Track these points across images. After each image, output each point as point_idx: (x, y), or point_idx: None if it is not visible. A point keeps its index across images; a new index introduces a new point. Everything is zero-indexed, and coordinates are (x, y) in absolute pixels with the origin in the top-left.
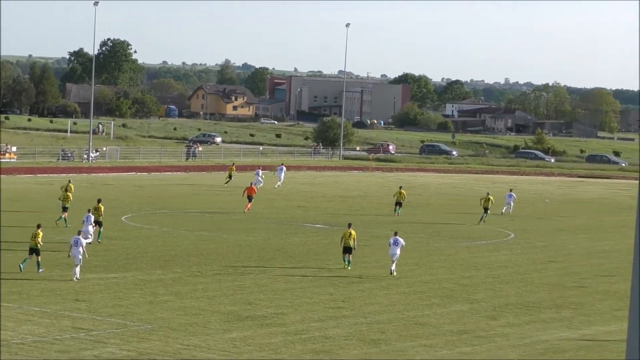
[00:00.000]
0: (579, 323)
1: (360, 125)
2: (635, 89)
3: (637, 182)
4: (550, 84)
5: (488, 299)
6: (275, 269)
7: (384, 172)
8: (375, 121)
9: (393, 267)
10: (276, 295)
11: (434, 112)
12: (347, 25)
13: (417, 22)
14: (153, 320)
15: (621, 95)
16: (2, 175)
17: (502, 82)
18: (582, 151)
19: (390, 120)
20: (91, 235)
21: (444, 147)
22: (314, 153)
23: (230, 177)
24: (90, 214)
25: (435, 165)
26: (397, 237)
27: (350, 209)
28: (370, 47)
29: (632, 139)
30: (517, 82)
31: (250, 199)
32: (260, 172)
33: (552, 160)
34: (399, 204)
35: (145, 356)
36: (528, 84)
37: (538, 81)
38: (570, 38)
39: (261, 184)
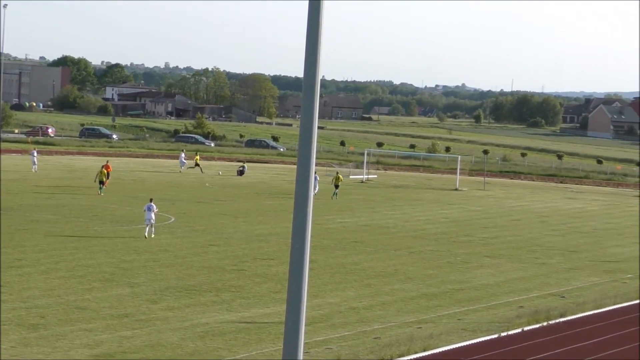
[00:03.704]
0: (239, 306)
1: (19, 107)
2: (293, 75)
3: (295, 167)
4: (210, 69)
5: (149, 283)
6: None
7: (43, 156)
8: (35, 104)
9: (148, 231)
10: None
11: (94, 96)
12: (5, 6)
13: (76, 3)
14: None
15: (279, 81)
16: None
17: (162, 66)
18: (241, 136)
19: (49, 103)
20: None
21: (104, 130)
22: None
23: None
24: None
25: (96, 149)
26: (151, 203)
27: (8, 193)
28: (29, 28)
29: (290, 125)
30: (177, 66)
31: (107, 174)
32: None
33: (212, 144)
34: (102, 182)
35: None
36: (188, 69)
37: (198, 66)
38: (230, 23)
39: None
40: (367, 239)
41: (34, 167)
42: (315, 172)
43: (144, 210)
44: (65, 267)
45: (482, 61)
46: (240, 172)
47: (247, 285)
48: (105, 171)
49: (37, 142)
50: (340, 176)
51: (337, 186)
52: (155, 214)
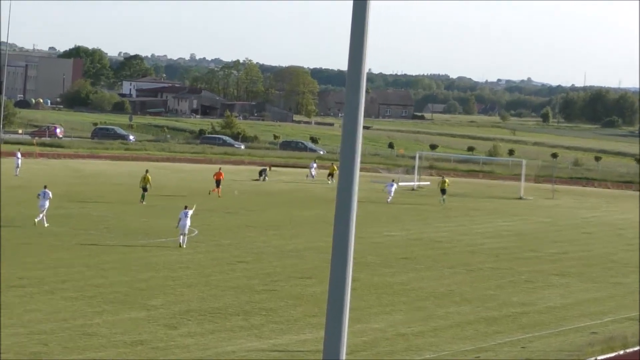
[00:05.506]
0: (270, 331)
1: (24, 104)
2: (335, 68)
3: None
4: (241, 61)
5: (167, 305)
6: None
7: (49, 159)
8: (42, 100)
9: (182, 240)
10: None
11: (109, 91)
12: None
13: None
14: None
15: (319, 74)
16: None
17: (188, 57)
18: (275, 137)
19: (58, 99)
20: None
21: (119, 131)
22: None
23: (331, 175)
24: None
25: (110, 152)
26: (187, 210)
27: (11, 202)
28: (37, 17)
29: (332, 124)
30: (204, 58)
31: (217, 183)
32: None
33: (242, 146)
34: (144, 189)
35: None
36: (216, 61)
37: (227, 57)
38: (263, 11)
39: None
40: (418, 255)
41: (16, 170)
42: (393, 180)
43: (180, 218)
44: (72, 287)
45: (550, 53)
46: (261, 173)
47: (280, 308)
48: (215, 179)
49: (43, 144)
50: (447, 180)
51: (443, 191)
52: (189, 223)
